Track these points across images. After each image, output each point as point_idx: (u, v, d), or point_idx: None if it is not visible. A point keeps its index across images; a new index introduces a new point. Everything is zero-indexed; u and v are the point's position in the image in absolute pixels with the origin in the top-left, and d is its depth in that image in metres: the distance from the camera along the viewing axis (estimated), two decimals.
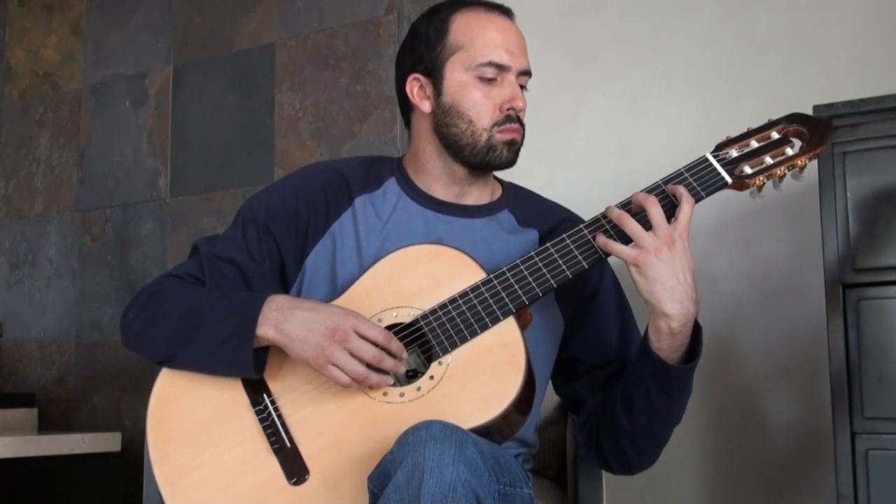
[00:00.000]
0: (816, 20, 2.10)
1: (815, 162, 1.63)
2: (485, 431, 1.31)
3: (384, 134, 2.50)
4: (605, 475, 1.68)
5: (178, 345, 1.44)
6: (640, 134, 2.27)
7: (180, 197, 2.85)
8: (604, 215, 1.42)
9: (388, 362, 1.34)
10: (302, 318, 1.37)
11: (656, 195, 1.39)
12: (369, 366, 1.34)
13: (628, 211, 1.39)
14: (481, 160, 1.50)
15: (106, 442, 2.65)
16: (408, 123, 1.59)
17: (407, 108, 1.56)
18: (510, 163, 1.51)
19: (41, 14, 3.22)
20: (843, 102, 1.62)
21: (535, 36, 2.35)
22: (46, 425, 2.92)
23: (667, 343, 1.36)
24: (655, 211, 1.35)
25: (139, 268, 2.89)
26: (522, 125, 1.51)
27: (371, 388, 1.38)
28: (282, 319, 1.37)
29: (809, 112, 1.58)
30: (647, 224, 1.36)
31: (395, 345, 1.36)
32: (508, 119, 1.48)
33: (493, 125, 1.48)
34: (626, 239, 1.38)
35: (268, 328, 1.38)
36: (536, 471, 1.74)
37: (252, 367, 1.39)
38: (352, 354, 1.33)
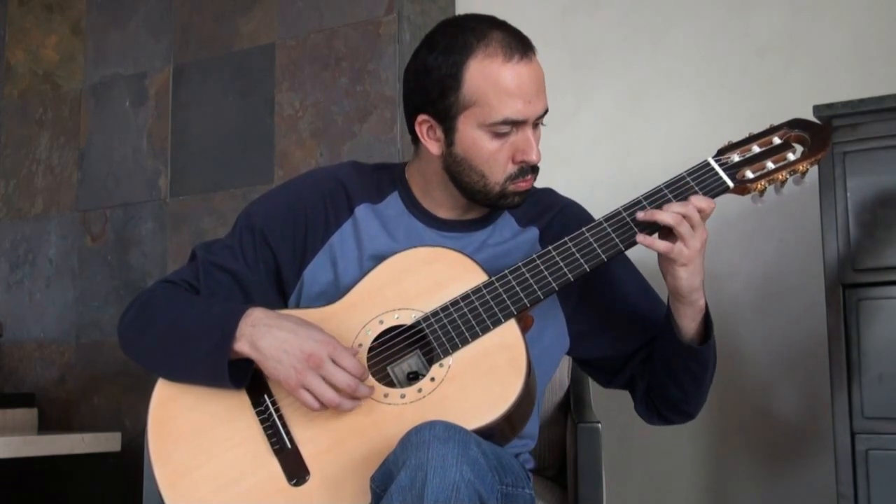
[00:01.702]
0: (816, 21, 2.10)
1: None
2: (487, 433, 1.31)
3: (384, 134, 2.50)
4: (605, 475, 1.69)
5: (165, 358, 1.45)
6: (640, 134, 2.27)
7: (180, 197, 2.85)
8: (606, 219, 1.42)
9: (362, 391, 1.35)
10: (279, 337, 1.37)
11: (659, 198, 1.40)
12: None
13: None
14: (491, 205, 1.50)
15: (106, 442, 2.65)
16: (414, 141, 1.55)
17: (416, 136, 1.52)
18: (519, 206, 1.51)
19: (41, 14, 3.22)
20: (843, 102, 1.62)
21: (535, 36, 2.36)
22: (46, 425, 2.92)
23: (698, 320, 1.44)
24: (696, 217, 1.38)
25: (139, 268, 2.89)
26: (536, 171, 1.48)
27: (372, 388, 1.37)
28: (258, 336, 1.37)
29: (809, 112, 1.58)
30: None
31: (368, 376, 1.37)
32: (522, 172, 1.45)
33: (507, 179, 1.45)
34: (628, 241, 1.40)
35: (243, 343, 1.38)
36: (536, 471, 1.74)
37: (228, 380, 1.39)
38: (325, 380, 1.34)
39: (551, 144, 2.35)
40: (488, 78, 1.41)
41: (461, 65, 1.42)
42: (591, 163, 2.31)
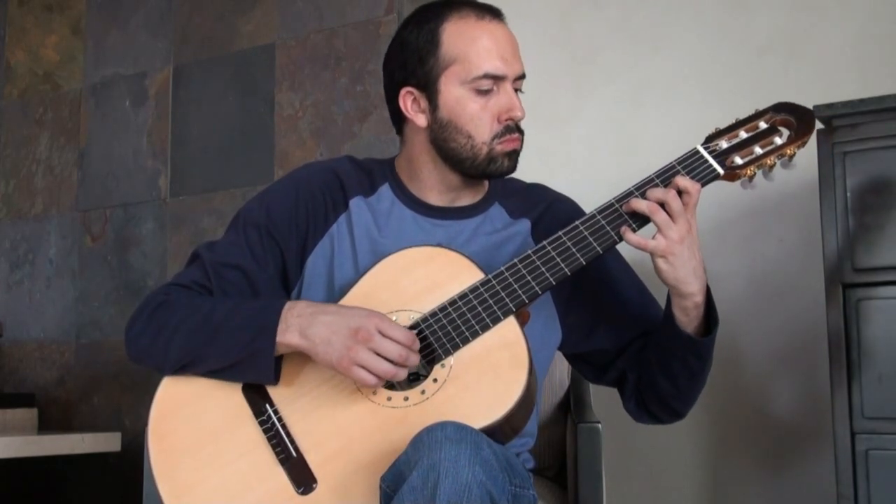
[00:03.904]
0: (816, 20, 2.10)
1: (814, 161, 1.63)
2: (490, 432, 1.30)
3: (384, 134, 2.50)
4: (605, 475, 1.69)
5: (193, 354, 1.42)
6: (640, 134, 2.27)
7: (180, 197, 2.85)
8: (599, 211, 1.42)
9: (413, 359, 1.34)
10: (325, 321, 1.36)
11: (652, 188, 1.40)
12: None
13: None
14: (482, 172, 1.50)
15: (106, 442, 2.65)
16: (399, 131, 1.58)
17: (399, 118, 1.55)
18: (511, 171, 1.51)
19: (41, 14, 3.22)
20: (843, 102, 1.62)
21: (535, 36, 2.35)
22: (46, 425, 2.92)
23: (694, 316, 1.42)
24: (676, 204, 1.37)
25: (139, 268, 2.89)
26: (521, 132, 1.50)
27: (375, 393, 1.37)
28: (306, 325, 1.36)
29: None
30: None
31: (418, 345, 1.36)
32: (508, 130, 1.47)
33: (493, 138, 1.47)
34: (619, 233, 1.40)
35: (292, 334, 1.37)
36: (536, 471, 1.74)
37: (272, 374, 1.39)
38: (377, 354, 1.33)
39: (551, 144, 2.36)
40: (464, 35, 1.46)
41: (436, 29, 1.47)
42: (592, 162, 2.31)
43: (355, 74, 2.57)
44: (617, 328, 1.55)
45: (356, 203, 1.54)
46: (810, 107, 1.63)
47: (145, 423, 1.44)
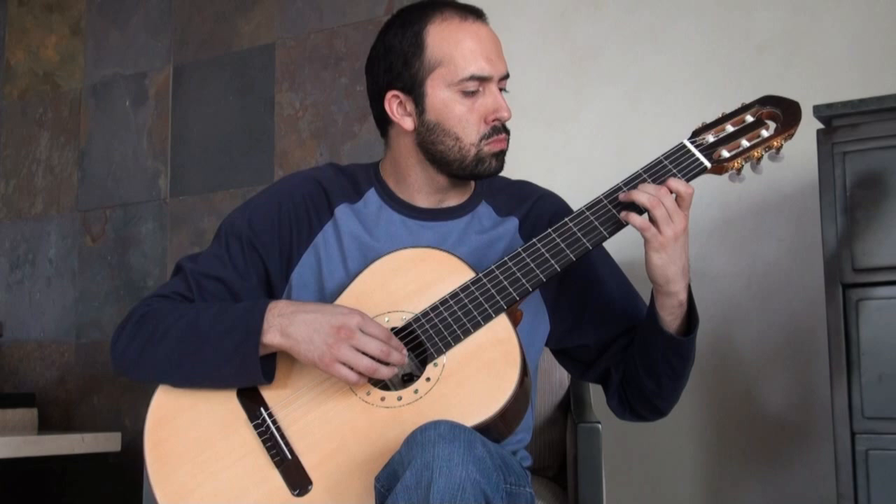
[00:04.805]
0: (816, 20, 2.10)
1: (814, 161, 1.63)
2: (484, 429, 1.30)
3: None
4: (604, 475, 1.69)
5: (182, 364, 1.42)
6: (640, 134, 2.26)
7: (180, 197, 2.85)
8: (588, 207, 1.43)
9: (394, 356, 1.34)
10: (306, 319, 1.36)
11: (638, 183, 1.41)
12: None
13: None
14: (470, 173, 1.50)
15: (106, 442, 2.66)
16: (384, 134, 1.58)
17: (385, 121, 1.55)
18: (499, 171, 1.52)
19: (41, 14, 3.22)
20: (843, 102, 1.61)
21: (535, 36, 2.35)
22: (46, 425, 2.92)
23: (677, 315, 1.43)
24: (670, 202, 1.38)
25: (139, 268, 2.89)
26: (508, 132, 1.50)
27: (368, 393, 1.38)
28: (286, 323, 1.37)
29: (809, 112, 1.58)
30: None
31: (395, 342, 1.36)
32: (495, 130, 1.48)
33: (481, 139, 1.47)
34: (611, 229, 1.41)
35: (273, 334, 1.37)
36: (536, 471, 1.74)
37: (261, 375, 1.39)
38: (358, 350, 1.34)
39: (551, 144, 2.36)
40: (448, 38, 1.46)
41: (421, 32, 1.47)
42: (591, 162, 2.31)
43: (355, 74, 2.57)
44: (601, 324, 1.55)
45: (342, 210, 1.54)
46: (810, 106, 1.63)
47: (145, 423, 1.44)
